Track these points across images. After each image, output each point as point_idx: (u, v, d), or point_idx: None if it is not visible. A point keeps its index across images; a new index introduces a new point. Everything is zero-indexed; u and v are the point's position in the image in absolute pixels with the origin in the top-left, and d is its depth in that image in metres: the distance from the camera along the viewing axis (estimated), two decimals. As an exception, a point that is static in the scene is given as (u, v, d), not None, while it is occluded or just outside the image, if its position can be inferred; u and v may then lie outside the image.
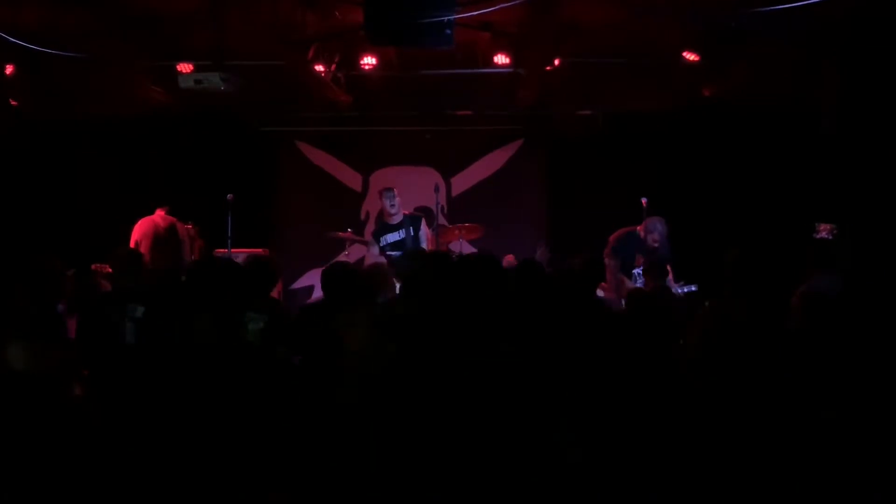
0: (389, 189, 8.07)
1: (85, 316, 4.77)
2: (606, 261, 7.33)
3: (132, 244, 8.11)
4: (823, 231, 6.92)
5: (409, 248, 7.87)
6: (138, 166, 9.61)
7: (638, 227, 7.34)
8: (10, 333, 3.97)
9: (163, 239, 8.17)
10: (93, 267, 7.79)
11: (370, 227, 9.85)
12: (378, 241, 7.99)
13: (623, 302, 7.01)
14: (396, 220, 7.97)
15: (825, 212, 7.62)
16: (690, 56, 7.82)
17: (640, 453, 3.60)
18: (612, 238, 7.43)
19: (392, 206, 7.93)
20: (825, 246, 6.61)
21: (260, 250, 9.01)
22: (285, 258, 9.89)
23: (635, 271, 7.24)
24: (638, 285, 7.01)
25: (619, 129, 9.84)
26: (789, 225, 8.13)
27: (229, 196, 8.30)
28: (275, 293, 8.95)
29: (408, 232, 7.93)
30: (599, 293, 7.43)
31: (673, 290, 6.71)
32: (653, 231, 7.19)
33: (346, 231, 8.76)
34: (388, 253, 7.89)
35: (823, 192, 8.22)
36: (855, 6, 6.15)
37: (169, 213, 8.38)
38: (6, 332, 4.00)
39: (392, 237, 7.96)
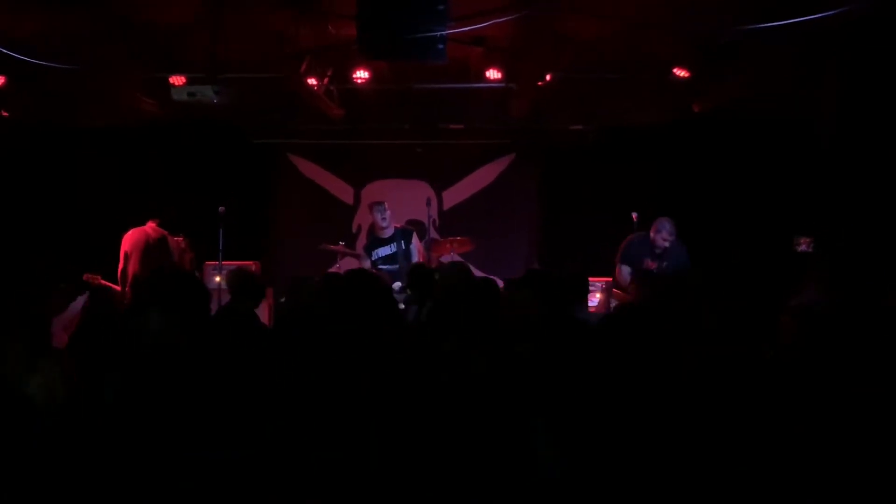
0: (380, 203, 8.08)
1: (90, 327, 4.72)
2: (618, 267, 7.50)
3: (122, 255, 8.09)
4: (804, 244, 7.00)
5: (400, 261, 7.87)
6: (130, 177, 9.60)
7: (650, 232, 7.43)
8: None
9: (153, 251, 8.15)
10: (84, 277, 7.77)
11: (362, 240, 9.85)
12: (370, 255, 7.99)
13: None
14: (388, 233, 7.98)
15: (817, 224, 7.69)
16: (681, 72, 7.86)
17: (623, 467, 3.59)
18: (622, 244, 7.58)
19: (383, 219, 7.93)
20: (809, 259, 6.68)
21: (250, 263, 9.02)
22: (276, 270, 9.92)
23: None
24: None
25: (612, 142, 9.87)
26: (782, 238, 8.18)
27: (221, 208, 8.30)
28: (265, 305, 9.01)
29: (399, 245, 7.94)
30: (614, 301, 7.56)
31: None
32: (661, 230, 7.32)
33: (339, 244, 8.77)
34: (380, 267, 7.89)
35: (816, 204, 8.27)
36: (852, 19, 6.18)
37: (160, 225, 8.37)
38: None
39: (384, 251, 7.96)
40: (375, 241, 8.07)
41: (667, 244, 7.31)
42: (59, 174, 9.66)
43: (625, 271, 7.43)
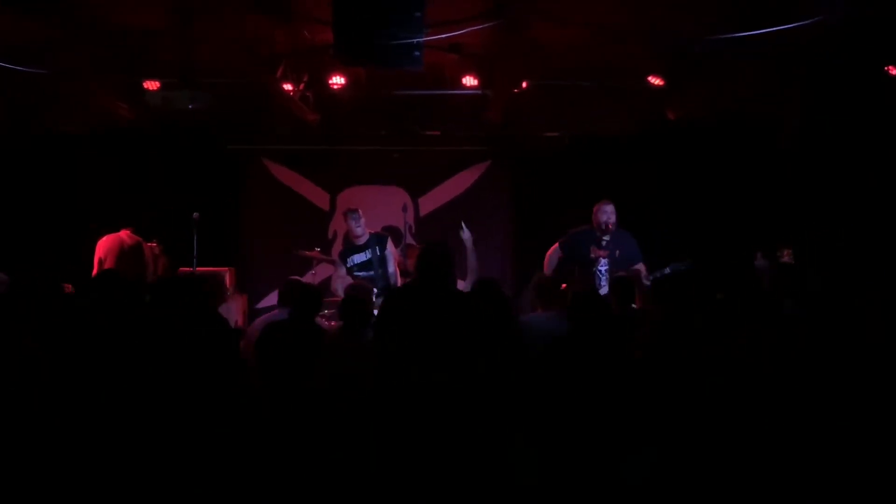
0: (353, 210, 8.03)
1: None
2: (547, 258, 7.42)
3: (96, 261, 8.02)
4: (786, 256, 7.06)
5: (375, 267, 7.85)
6: (104, 183, 9.52)
7: (593, 216, 7.39)
8: None
9: (128, 257, 8.09)
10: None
11: (338, 246, 9.83)
12: (345, 262, 7.95)
13: None
14: (363, 240, 7.94)
15: (791, 231, 7.78)
16: (655, 80, 7.92)
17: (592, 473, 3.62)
18: (561, 238, 7.51)
19: (357, 226, 7.89)
20: (787, 270, 6.74)
21: (224, 269, 8.98)
22: (251, 277, 9.87)
23: (600, 268, 7.25)
24: (602, 286, 7.03)
25: (587, 150, 9.94)
26: (753, 245, 8.25)
27: (195, 214, 8.25)
28: (239, 312, 8.95)
29: (374, 252, 7.90)
30: None
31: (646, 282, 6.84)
32: (604, 211, 7.26)
33: (314, 250, 8.74)
34: (356, 273, 7.86)
35: (787, 211, 8.37)
36: (818, 30, 6.28)
37: (134, 232, 8.32)
38: None
39: (359, 258, 7.93)
40: (351, 248, 8.03)
41: (610, 224, 7.19)
42: (31, 180, 9.55)
43: (555, 261, 7.37)
